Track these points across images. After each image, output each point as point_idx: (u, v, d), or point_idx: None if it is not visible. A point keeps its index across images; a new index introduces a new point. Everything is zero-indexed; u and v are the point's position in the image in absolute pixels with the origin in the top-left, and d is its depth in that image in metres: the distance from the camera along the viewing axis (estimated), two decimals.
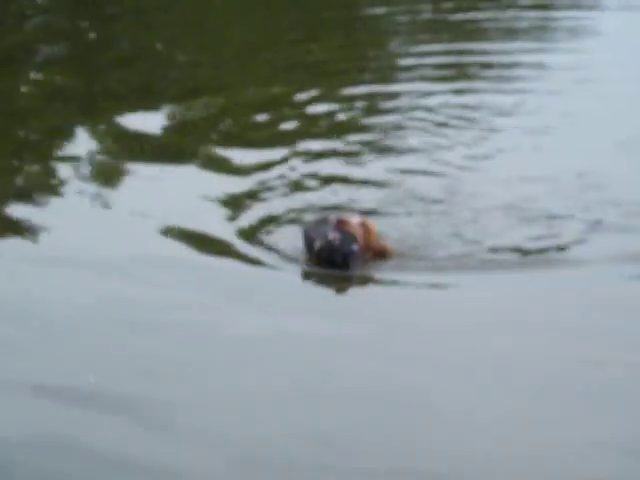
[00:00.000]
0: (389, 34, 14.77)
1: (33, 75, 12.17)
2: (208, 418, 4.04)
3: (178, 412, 4.10)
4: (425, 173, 7.57)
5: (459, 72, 11.33)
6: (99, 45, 13.66)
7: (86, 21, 14.82)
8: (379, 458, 3.80)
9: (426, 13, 15.71)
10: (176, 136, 9.37)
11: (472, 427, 4.03)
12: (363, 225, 5.40)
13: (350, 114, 9.55)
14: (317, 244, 5.17)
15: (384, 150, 8.38)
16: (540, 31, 14.18)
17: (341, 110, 9.62)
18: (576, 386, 4.41)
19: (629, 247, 6.05)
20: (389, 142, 8.69)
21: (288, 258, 5.66)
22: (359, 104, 9.84)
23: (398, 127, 9.12)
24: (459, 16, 14.83)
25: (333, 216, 5.45)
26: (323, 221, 5.40)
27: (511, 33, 13.86)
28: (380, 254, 5.50)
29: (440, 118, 9.14)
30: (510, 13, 14.63)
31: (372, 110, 9.77)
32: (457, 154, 8.07)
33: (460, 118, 9.20)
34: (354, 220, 5.38)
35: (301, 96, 10.02)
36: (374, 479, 3.71)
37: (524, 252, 6.03)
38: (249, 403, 4.26)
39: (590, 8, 15.38)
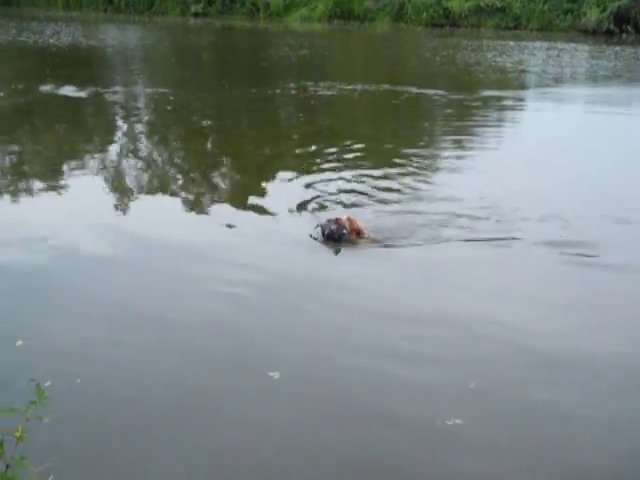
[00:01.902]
0: None
1: None
2: None
3: None
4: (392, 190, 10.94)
5: None
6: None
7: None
8: None
9: None
10: None
11: None
12: (349, 219, 8.53)
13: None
14: (326, 232, 8.40)
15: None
16: None
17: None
18: None
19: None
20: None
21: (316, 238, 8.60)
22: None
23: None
24: None
25: (333, 218, 8.58)
26: (329, 221, 8.50)
27: None
28: (358, 233, 8.62)
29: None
30: None
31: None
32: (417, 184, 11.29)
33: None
34: (344, 217, 8.56)
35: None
36: None
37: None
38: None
39: None
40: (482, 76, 26.14)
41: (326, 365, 5.81)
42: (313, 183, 11.17)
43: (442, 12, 48.48)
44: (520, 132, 17.21)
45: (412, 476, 4.47)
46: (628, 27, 42.84)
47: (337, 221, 8.40)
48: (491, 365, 5.82)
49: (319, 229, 8.54)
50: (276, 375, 5.48)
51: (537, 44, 38.40)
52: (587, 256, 8.22)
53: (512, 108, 20.30)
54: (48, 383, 3.54)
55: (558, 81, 25.42)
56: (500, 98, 21.45)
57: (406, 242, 8.68)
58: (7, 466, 3.32)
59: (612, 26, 43.25)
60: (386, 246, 8.55)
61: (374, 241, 8.70)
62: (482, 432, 4.86)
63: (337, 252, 8.36)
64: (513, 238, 8.73)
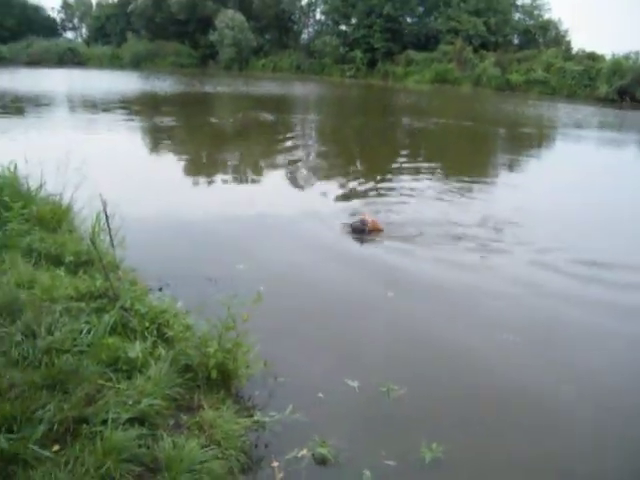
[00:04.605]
0: None
1: None
2: None
3: None
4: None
5: None
6: None
7: None
8: None
9: None
10: None
11: None
12: (373, 220, 7.58)
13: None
14: (353, 225, 7.46)
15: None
16: None
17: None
18: None
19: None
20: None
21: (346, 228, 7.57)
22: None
23: None
24: None
25: (360, 217, 7.64)
26: (357, 219, 7.61)
27: None
28: (377, 230, 7.51)
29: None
30: None
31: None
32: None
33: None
34: (368, 217, 7.59)
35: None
36: None
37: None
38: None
39: None
40: (524, 120, 25.66)
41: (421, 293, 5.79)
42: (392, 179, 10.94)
43: (505, 81, 46.72)
44: (545, 157, 16.81)
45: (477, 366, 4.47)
46: (627, 98, 40.21)
47: (362, 220, 7.52)
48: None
49: (349, 223, 7.64)
50: (391, 294, 5.62)
51: (563, 105, 36.49)
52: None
53: (542, 140, 19.98)
54: (262, 288, 3.75)
55: (574, 126, 24.29)
56: (535, 134, 21.30)
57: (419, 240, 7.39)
58: (237, 334, 3.62)
59: (616, 97, 40.76)
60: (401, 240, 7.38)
61: (389, 237, 7.45)
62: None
63: (362, 243, 7.26)
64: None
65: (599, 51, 46.58)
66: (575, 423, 3.83)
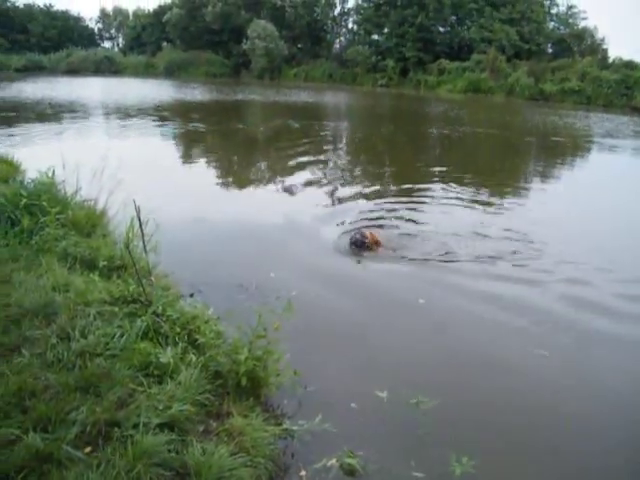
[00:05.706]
0: None
1: None
2: None
3: None
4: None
5: None
6: None
7: None
8: None
9: None
10: None
11: None
12: (371, 233, 7.19)
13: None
14: (353, 239, 7.11)
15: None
16: None
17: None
18: None
19: None
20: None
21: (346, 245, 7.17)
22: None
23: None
24: None
25: (359, 230, 7.32)
26: (356, 232, 7.27)
27: None
28: (377, 244, 7.11)
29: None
30: None
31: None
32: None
33: None
34: (367, 232, 7.22)
35: None
36: None
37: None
38: None
39: None
40: (556, 129, 25.06)
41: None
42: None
43: (538, 91, 45.76)
44: (578, 167, 16.34)
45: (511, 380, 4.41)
46: None
47: (361, 233, 7.21)
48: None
49: (350, 236, 7.32)
50: (422, 301, 5.61)
51: (598, 114, 35.47)
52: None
53: (575, 150, 19.70)
54: (294, 293, 3.74)
55: (608, 136, 23.64)
56: (567, 143, 20.94)
57: (419, 255, 7.05)
58: (268, 342, 3.62)
59: None
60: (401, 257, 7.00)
61: (391, 250, 7.15)
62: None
63: (360, 260, 6.87)
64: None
65: (637, 59, 45.51)
66: (609, 442, 3.73)
